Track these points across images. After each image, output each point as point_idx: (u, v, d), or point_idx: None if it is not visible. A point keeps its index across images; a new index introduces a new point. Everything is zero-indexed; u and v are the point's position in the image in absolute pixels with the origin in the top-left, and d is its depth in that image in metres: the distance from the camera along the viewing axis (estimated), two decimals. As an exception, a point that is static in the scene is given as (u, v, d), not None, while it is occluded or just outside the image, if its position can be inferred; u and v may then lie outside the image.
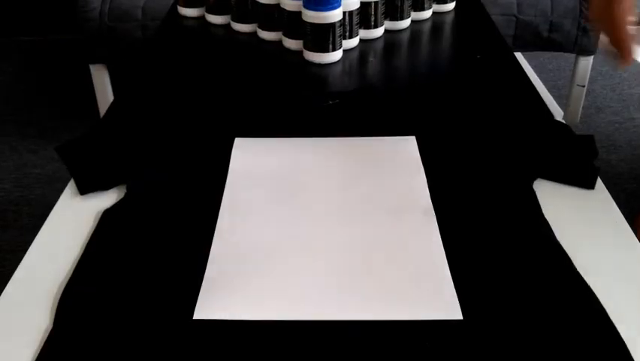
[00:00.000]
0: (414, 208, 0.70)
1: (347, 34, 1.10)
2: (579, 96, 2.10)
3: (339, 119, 0.87)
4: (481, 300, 0.59)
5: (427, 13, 1.24)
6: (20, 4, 2.87)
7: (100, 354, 0.55)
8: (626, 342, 0.55)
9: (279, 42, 1.14)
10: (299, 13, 1.07)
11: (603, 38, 0.70)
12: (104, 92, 2.06)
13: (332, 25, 1.04)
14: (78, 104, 2.39)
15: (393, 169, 0.76)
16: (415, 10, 1.22)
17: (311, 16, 1.04)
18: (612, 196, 0.74)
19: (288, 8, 1.08)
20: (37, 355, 0.55)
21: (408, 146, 0.80)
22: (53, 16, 2.85)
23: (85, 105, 2.36)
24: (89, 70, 2.03)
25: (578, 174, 0.75)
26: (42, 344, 0.56)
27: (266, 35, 1.16)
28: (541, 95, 0.96)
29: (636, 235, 0.68)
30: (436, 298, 0.58)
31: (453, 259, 0.63)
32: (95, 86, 2.06)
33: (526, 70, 1.09)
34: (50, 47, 2.85)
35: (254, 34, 1.18)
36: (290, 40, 1.12)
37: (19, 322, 0.59)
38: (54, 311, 0.59)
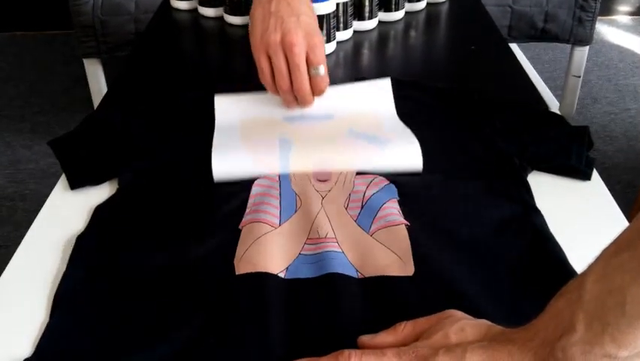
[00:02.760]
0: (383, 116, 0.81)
1: (340, 25, 1.09)
2: (575, 87, 2.10)
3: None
4: (472, 292, 0.58)
5: (421, 4, 1.23)
6: (13, 0, 2.85)
7: (95, 348, 0.55)
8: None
9: (273, 34, 1.13)
10: (292, 5, 1.06)
11: None
12: (98, 86, 2.06)
13: (325, 16, 1.03)
14: (72, 98, 2.39)
15: (366, 102, 0.85)
16: (409, 1, 1.21)
17: (304, 7, 1.03)
18: (608, 187, 0.74)
19: (281, 0, 1.08)
20: (33, 349, 0.55)
21: (382, 85, 0.86)
22: (46, 10, 2.84)
23: (79, 99, 2.35)
24: (82, 64, 2.03)
25: (573, 166, 0.75)
26: (38, 339, 0.56)
27: (259, 28, 1.15)
28: (537, 87, 0.96)
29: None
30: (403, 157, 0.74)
31: (443, 252, 0.63)
32: (88, 79, 2.05)
33: (521, 61, 1.09)
34: (43, 42, 2.84)
35: (247, 26, 1.17)
36: (283, 33, 1.11)
37: (13, 317, 0.59)
38: (49, 306, 0.59)
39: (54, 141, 0.80)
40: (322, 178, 0.71)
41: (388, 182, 0.71)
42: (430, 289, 0.59)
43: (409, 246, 0.63)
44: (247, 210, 0.68)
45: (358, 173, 0.72)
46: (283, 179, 0.72)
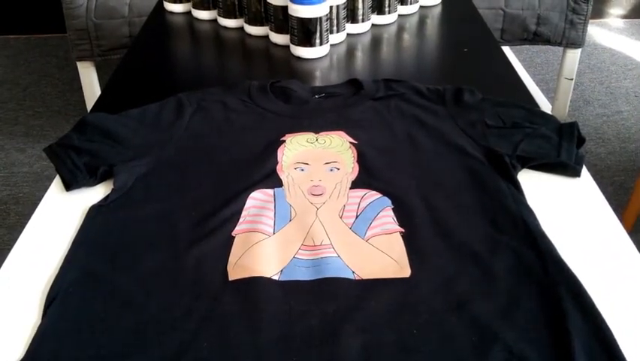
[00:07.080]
0: None
1: (334, 28, 1.09)
2: (567, 89, 2.11)
3: (326, 112, 0.86)
4: (468, 290, 0.59)
5: (414, 7, 1.24)
6: (6, 3, 2.85)
7: (87, 351, 0.55)
8: (613, 328, 0.55)
9: (266, 37, 1.14)
10: (286, 8, 1.06)
11: None
12: (92, 89, 2.05)
13: (318, 19, 1.03)
14: (66, 101, 2.38)
15: None
16: (402, 4, 1.22)
17: (297, 10, 1.03)
18: (600, 189, 0.74)
19: (274, 3, 1.08)
20: (25, 351, 0.55)
21: None
22: (40, 14, 2.83)
23: (73, 102, 2.35)
24: (76, 67, 2.02)
25: (563, 162, 0.75)
26: (30, 341, 0.56)
27: (253, 30, 1.15)
28: (530, 89, 0.96)
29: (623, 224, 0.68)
30: None
31: (438, 253, 0.63)
32: (82, 83, 2.05)
33: (514, 64, 1.09)
34: (37, 45, 2.83)
35: (241, 29, 1.18)
36: (277, 35, 1.11)
37: (5, 319, 0.59)
38: (41, 308, 0.59)
39: (49, 148, 0.80)
40: (316, 192, 0.72)
41: (381, 195, 0.71)
42: (426, 288, 0.60)
43: (405, 251, 0.64)
44: (241, 220, 0.68)
45: (351, 188, 0.73)
46: (278, 193, 0.72)
